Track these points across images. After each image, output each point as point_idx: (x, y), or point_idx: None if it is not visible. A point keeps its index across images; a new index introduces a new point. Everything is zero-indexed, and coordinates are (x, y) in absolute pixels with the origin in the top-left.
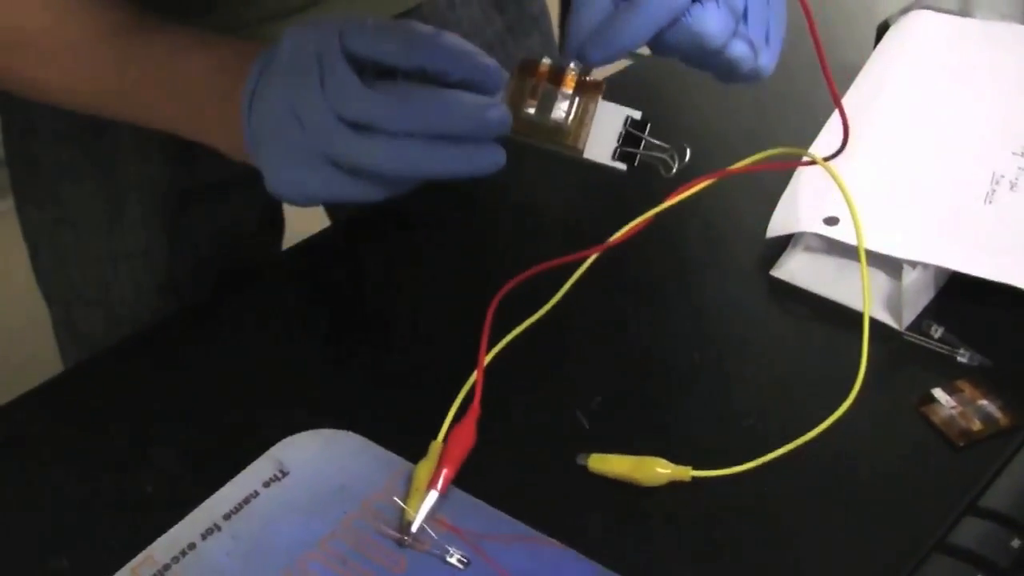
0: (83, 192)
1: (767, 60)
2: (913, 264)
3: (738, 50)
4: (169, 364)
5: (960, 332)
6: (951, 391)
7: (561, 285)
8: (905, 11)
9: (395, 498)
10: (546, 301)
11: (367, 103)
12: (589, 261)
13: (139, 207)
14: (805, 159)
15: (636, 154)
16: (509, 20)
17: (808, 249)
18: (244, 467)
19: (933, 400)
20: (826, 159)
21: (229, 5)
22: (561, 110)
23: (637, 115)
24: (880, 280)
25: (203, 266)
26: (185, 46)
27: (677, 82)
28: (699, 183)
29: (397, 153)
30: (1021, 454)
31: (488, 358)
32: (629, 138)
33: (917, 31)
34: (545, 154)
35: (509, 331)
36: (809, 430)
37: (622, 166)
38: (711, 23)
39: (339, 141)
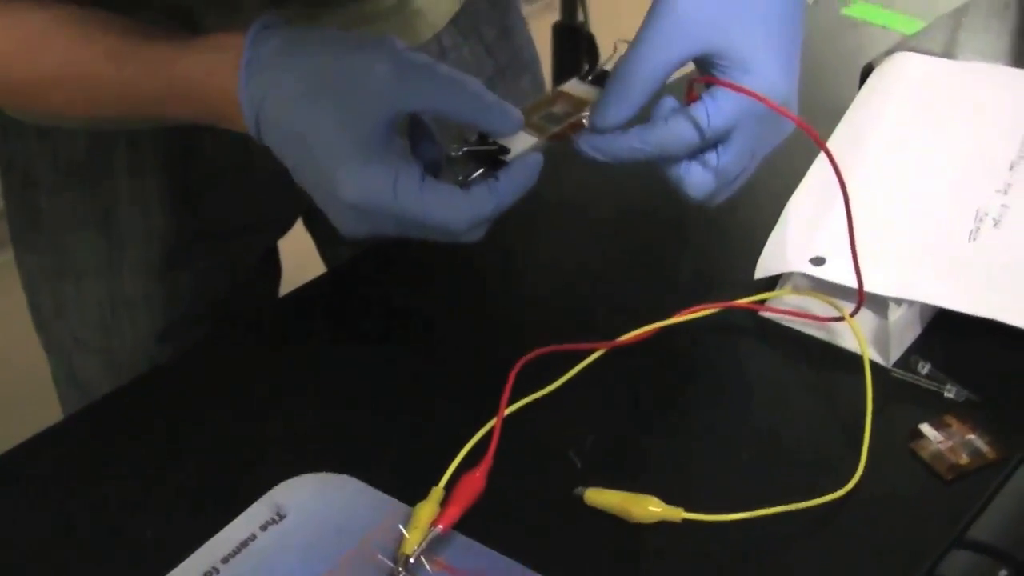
0: (83, 242)
1: (722, 197)
2: (899, 302)
3: (704, 194)
4: (167, 409)
5: (946, 367)
6: (939, 426)
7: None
8: (889, 53)
9: (400, 526)
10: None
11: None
12: (596, 354)
13: (138, 255)
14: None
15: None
16: (500, 64)
17: (796, 288)
18: (242, 510)
19: (921, 435)
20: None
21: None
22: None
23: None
24: (867, 317)
25: (201, 313)
26: (184, 40)
27: None
28: (706, 309)
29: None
30: (1008, 487)
31: (507, 412)
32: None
33: (901, 73)
34: (566, 223)
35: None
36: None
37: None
38: (694, 186)
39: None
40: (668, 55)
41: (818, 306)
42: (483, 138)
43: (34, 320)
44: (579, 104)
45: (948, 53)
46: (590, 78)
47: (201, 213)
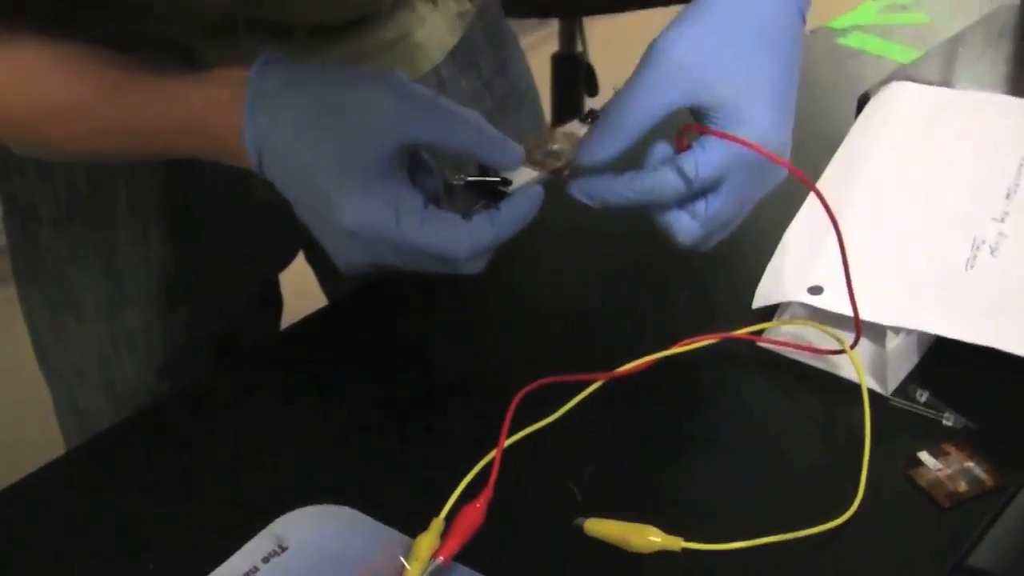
0: (84, 277)
1: (712, 243)
2: (897, 330)
3: (691, 241)
4: (169, 443)
5: (944, 395)
6: (937, 454)
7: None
8: (886, 82)
9: (400, 557)
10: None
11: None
12: (595, 385)
13: (139, 290)
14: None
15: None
16: (498, 97)
17: (794, 318)
18: (244, 543)
19: (919, 463)
20: None
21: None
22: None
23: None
24: (865, 346)
25: (203, 345)
26: (186, 74)
27: None
28: (705, 339)
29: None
30: (1006, 514)
31: (508, 443)
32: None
33: (897, 102)
34: (565, 255)
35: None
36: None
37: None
38: (682, 232)
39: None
40: (655, 102)
41: (816, 335)
42: (484, 170)
43: (36, 352)
44: (577, 144)
45: (944, 82)
46: (589, 120)
47: (201, 247)
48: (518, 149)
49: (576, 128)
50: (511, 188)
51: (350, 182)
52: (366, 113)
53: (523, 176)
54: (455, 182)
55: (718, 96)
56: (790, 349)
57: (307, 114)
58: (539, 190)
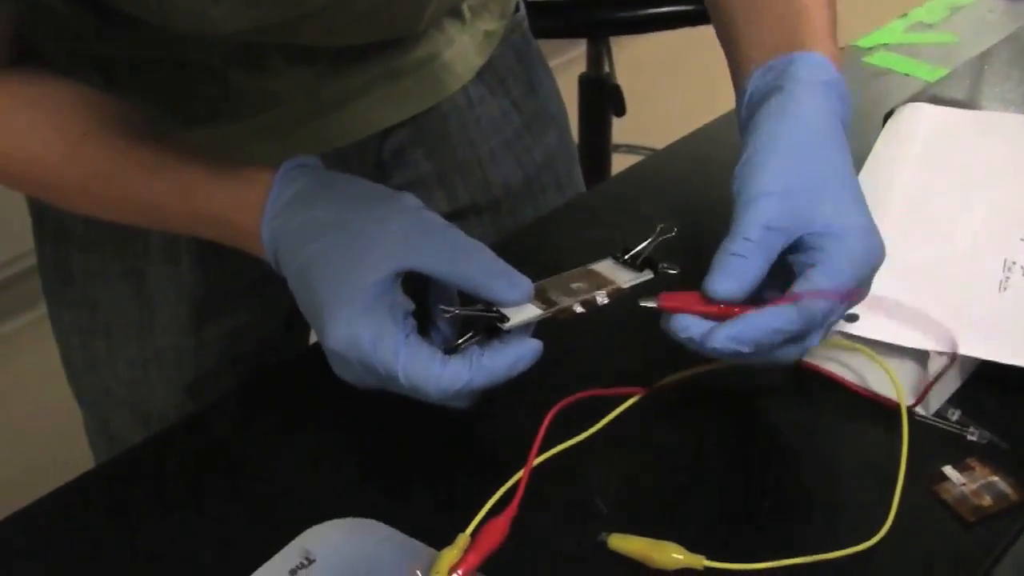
0: (115, 296)
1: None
2: (940, 353)
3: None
4: (196, 458)
5: (968, 411)
6: (962, 469)
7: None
8: (912, 100)
9: (418, 572)
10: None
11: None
12: (631, 400)
13: (169, 311)
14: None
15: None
16: (526, 118)
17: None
18: (272, 556)
19: (944, 478)
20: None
21: (252, 111)
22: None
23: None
24: (908, 368)
25: (232, 364)
26: (214, 166)
27: (684, 183)
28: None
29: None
30: None
31: (538, 460)
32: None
33: (914, 124)
34: None
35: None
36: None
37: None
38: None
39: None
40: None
41: (856, 358)
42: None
43: (67, 372)
44: (603, 283)
45: (970, 100)
46: (625, 258)
47: (231, 268)
48: (525, 284)
49: (607, 268)
50: (508, 325)
51: (341, 302)
52: (368, 236)
53: (524, 313)
54: (446, 315)
55: (831, 219)
56: (830, 366)
57: (314, 228)
58: (535, 347)
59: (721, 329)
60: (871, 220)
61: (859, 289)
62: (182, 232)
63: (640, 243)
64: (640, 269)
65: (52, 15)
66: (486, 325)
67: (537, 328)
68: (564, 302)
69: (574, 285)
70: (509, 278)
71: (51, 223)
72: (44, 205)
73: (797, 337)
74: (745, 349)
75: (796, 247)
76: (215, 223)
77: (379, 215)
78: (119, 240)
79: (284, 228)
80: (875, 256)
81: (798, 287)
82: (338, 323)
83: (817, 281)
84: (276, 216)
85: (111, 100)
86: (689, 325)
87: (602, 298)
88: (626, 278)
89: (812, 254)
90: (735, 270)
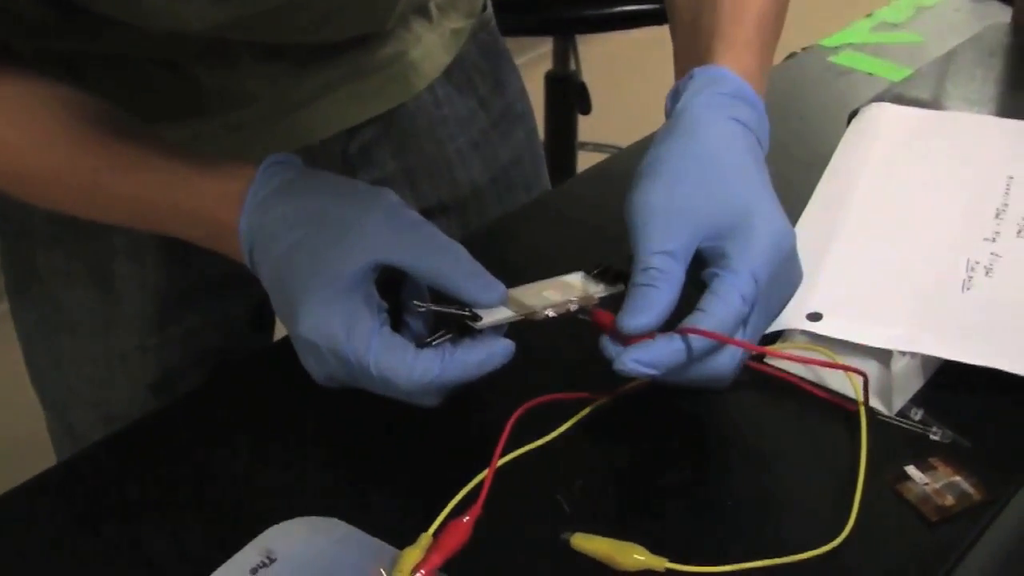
0: (79, 296)
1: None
2: (903, 353)
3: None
4: (157, 456)
5: (932, 410)
6: (925, 468)
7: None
8: (876, 100)
9: (381, 570)
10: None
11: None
12: (594, 404)
13: (133, 310)
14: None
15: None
16: (494, 117)
17: (795, 342)
18: (232, 555)
19: (907, 478)
20: None
21: (220, 109)
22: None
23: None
24: (871, 368)
25: (196, 362)
26: (194, 161)
27: None
28: None
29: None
30: (993, 528)
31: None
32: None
33: (878, 125)
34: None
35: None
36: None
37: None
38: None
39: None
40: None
41: (814, 357)
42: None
43: (30, 372)
44: (574, 293)
45: (935, 100)
46: (595, 272)
47: (195, 266)
48: (499, 288)
49: (577, 280)
50: (480, 324)
51: (313, 292)
52: (347, 228)
53: (495, 314)
54: (419, 309)
55: (727, 219)
56: (791, 369)
57: (292, 220)
58: (507, 346)
59: (628, 352)
60: (771, 205)
61: (742, 308)
62: (156, 229)
63: (608, 260)
64: (612, 283)
65: (13, 11)
66: (459, 324)
67: (506, 332)
68: (536, 306)
69: (546, 293)
70: (485, 280)
71: (14, 220)
72: (7, 202)
73: (712, 349)
74: (654, 372)
75: (702, 257)
76: (194, 217)
77: (358, 209)
78: (83, 238)
79: (261, 221)
80: (781, 241)
81: (701, 303)
82: (312, 309)
83: (722, 291)
84: (254, 210)
85: (88, 97)
86: (606, 346)
87: (573, 306)
88: (597, 289)
89: (717, 261)
90: (646, 303)
